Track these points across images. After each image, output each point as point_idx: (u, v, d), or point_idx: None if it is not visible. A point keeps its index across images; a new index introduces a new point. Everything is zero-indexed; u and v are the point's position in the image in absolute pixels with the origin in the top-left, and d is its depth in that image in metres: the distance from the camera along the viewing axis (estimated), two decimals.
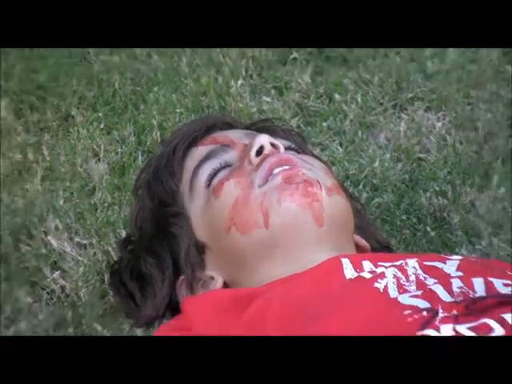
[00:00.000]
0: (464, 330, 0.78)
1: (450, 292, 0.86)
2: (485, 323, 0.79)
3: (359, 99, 1.44)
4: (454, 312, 0.82)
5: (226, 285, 1.02)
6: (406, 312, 0.82)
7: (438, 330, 0.79)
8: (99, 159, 1.34)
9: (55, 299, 1.14)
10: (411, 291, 0.86)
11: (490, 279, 0.90)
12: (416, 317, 0.82)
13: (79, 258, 1.18)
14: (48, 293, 1.15)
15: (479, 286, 0.88)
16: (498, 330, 0.78)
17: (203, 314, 0.93)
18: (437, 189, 1.28)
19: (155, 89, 1.46)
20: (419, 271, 0.92)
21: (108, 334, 1.12)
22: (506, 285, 0.88)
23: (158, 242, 1.08)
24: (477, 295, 0.85)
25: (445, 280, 0.89)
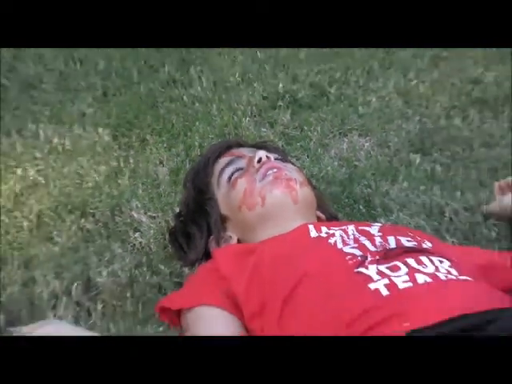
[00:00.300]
0: (383, 268, 0.77)
1: (375, 245, 0.84)
2: (395, 264, 0.77)
3: (319, 129, 1.36)
4: (377, 257, 0.80)
5: (239, 241, 0.97)
6: (348, 257, 0.80)
7: (367, 268, 0.78)
8: (163, 165, 1.27)
9: (136, 250, 1.08)
10: (351, 244, 0.84)
11: (398, 237, 0.86)
12: (354, 260, 0.79)
13: (151, 225, 1.11)
14: (131, 246, 1.08)
15: (392, 241, 0.86)
16: (403, 269, 0.76)
17: (225, 259, 0.87)
18: (365, 183, 1.21)
19: (197, 123, 1.38)
20: (355, 232, 0.87)
21: (168, 271, 1.03)
22: (408, 241, 0.85)
23: (197, 215, 1.03)
24: (390, 247, 0.83)
25: (371, 238, 0.85)
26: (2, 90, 1.51)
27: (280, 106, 1.47)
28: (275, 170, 0.93)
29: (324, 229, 0.87)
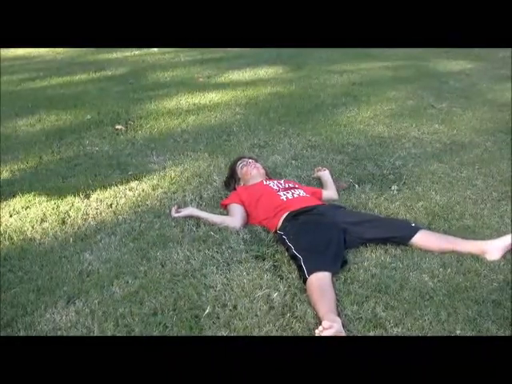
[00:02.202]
0: (285, 192, 2.43)
1: (282, 185, 2.57)
2: (288, 191, 2.46)
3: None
4: (282, 189, 2.51)
5: (244, 185, 2.72)
6: (274, 189, 2.52)
7: (279, 192, 2.43)
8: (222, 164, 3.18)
9: (214, 187, 2.92)
10: (275, 185, 2.56)
11: (289, 183, 2.65)
12: (276, 190, 2.51)
13: (218, 180, 2.95)
14: (213, 185, 2.94)
15: (287, 184, 2.59)
16: (290, 193, 2.44)
17: (240, 190, 2.66)
18: (286, 170, 3.15)
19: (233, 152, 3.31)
20: (276, 182, 2.62)
21: (224, 193, 2.93)
22: (292, 184, 2.62)
23: (231, 177, 2.84)
24: (286, 186, 2.55)
25: (280, 183, 2.64)
26: None
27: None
28: (253, 165, 2.89)
29: (268, 181, 2.79)
